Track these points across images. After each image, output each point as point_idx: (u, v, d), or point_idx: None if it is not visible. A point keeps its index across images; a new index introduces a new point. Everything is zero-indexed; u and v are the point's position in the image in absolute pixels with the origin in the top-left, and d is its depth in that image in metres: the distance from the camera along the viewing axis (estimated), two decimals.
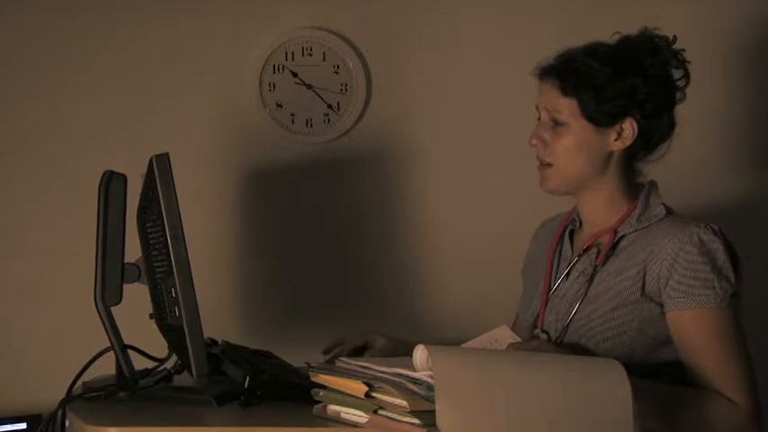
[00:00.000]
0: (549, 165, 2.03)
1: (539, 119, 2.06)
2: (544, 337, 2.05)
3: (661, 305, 1.95)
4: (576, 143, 2.01)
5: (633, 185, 2.06)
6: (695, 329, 1.92)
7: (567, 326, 2.01)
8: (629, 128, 2.00)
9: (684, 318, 1.93)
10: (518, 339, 2.03)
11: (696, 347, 1.92)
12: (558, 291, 2.07)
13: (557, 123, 2.01)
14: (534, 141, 2.04)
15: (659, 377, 1.94)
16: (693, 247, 1.93)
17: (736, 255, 1.97)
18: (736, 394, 1.90)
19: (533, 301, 2.14)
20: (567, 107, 2.00)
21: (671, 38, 2.03)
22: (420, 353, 1.71)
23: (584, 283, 2.02)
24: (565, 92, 2.00)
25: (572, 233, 2.14)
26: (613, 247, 2.02)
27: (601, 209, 2.06)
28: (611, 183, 2.04)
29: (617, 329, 1.96)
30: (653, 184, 2.07)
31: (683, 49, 2.04)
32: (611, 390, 1.71)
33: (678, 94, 2.05)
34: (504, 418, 1.66)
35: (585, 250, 2.06)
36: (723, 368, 1.91)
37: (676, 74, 2.04)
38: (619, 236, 2.02)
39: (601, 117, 1.99)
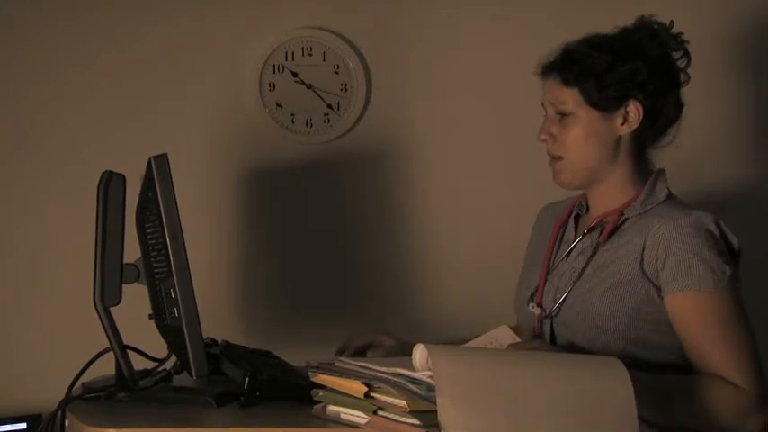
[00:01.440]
0: (560, 158, 2.05)
1: (545, 116, 2.07)
2: (538, 311, 2.06)
3: (659, 288, 1.95)
4: (585, 132, 2.02)
5: (643, 173, 2.07)
6: (694, 311, 1.91)
7: (563, 301, 2.02)
8: (634, 110, 2.02)
9: (682, 299, 1.92)
10: (518, 340, 2.03)
11: (696, 330, 1.91)
12: (558, 269, 2.08)
13: (563, 115, 2.03)
14: (543, 137, 2.05)
15: (661, 364, 1.94)
16: (690, 228, 1.93)
17: (733, 238, 1.98)
18: (741, 378, 1.88)
19: (531, 278, 2.15)
20: (570, 97, 2.02)
21: (668, 23, 2.06)
22: (420, 352, 1.71)
23: (584, 261, 2.03)
24: (567, 82, 2.02)
25: (577, 217, 2.15)
26: (616, 228, 2.03)
27: (608, 195, 2.07)
28: (622, 172, 2.05)
29: (613, 307, 1.96)
30: (661, 172, 2.08)
31: (682, 32, 2.06)
32: (612, 387, 1.71)
33: (682, 76, 2.07)
34: (504, 416, 1.66)
35: (588, 231, 2.07)
36: (726, 351, 1.89)
37: (676, 55, 2.05)
38: (623, 218, 2.03)
39: (605, 102, 2.01)
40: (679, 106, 2.07)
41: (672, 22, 2.06)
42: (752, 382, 1.89)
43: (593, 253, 2.03)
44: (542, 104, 2.08)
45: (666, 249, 1.93)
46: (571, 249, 2.08)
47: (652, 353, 1.95)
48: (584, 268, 2.02)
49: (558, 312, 2.03)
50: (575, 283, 2.02)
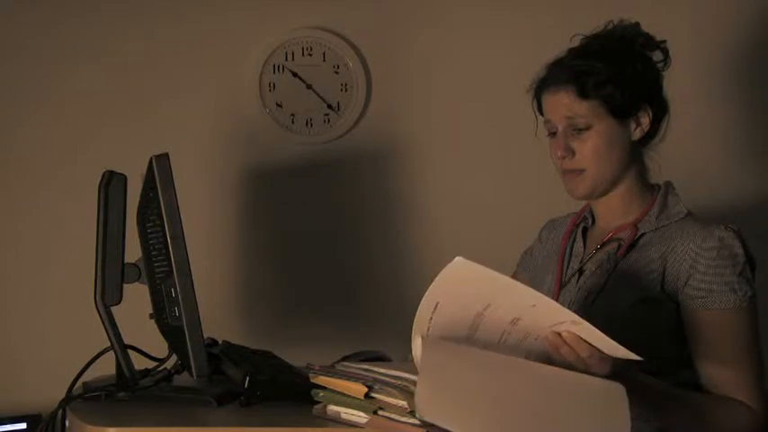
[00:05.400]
0: (581, 171, 2.01)
1: (551, 134, 2.04)
2: None
3: (677, 304, 1.94)
4: (605, 142, 2.00)
5: (648, 183, 2.07)
6: (714, 330, 1.91)
7: (583, 317, 2.00)
8: (646, 114, 2.01)
9: (703, 318, 1.92)
10: None
11: (712, 348, 1.91)
12: (570, 286, 2.06)
13: (580, 129, 2.00)
14: (561, 153, 2.01)
15: (676, 373, 1.93)
16: (714, 247, 1.92)
17: (752, 256, 1.97)
18: (751, 398, 1.89)
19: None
20: (588, 109, 1.99)
21: (635, 23, 2.05)
22: (418, 343, 1.69)
23: (603, 276, 2.01)
24: (584, 95, 1.98)
25: (585, 231, 2.13)
26: (634, 243, 2.02)
27: (618, 206, 2.05)
28: (631, 178, 2.04)
29: (635, 325, 1.94)
30: (670, 184, 2.08)
31: (650, 33, 2.06)
32: (606, 414, 1.67)
33: (662, 75, 2.07)
34: (481, 416, 1.62)
35: (603, 245, 2.05)
36: (738, 371, 1.90)
37: (656, 56, 2.05)
38: (640, 232, 2.02)
39: (623, 109, 1.99)
40: (666, 100, 2.07)
41: (638, 23, 2.05)
42: (761, 402, 1.90)
43: (612, 269, 2.00)
44: (545, 122, 2.05)
45: (690, 269, 1.93)
46: (583, 264, 2.07)
47: (669, 368, 1.94)
48: (603, 285, 2.00)
49: None
50: (594, 299, 2.00)
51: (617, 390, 1.68)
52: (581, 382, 1.71)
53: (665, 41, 2.05)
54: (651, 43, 2.04)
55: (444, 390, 1.61)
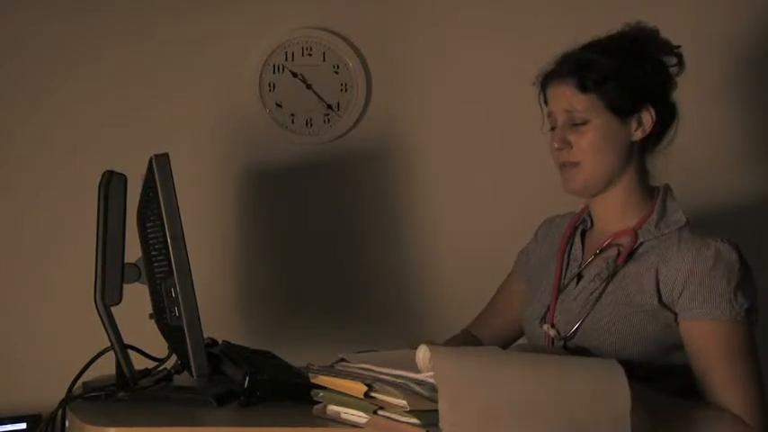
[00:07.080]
0: (576, 164, 2.02)
1: (552, 129, 2.05)
2: (553, 332, 2.04)
3: (675, 314, 1.94)
4: (602, 137, 2.00)
5: (648, 187, 2.07)
6: (709, 341, 1.91)
7: (579, 326, 2.00)
8: (648, 115, 2.01)
9: (698, 328, 1.91)
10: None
11: (708, 360, 1.90)
12: (569, 290, 2.06)
13: (578, 122, 2.01)
14: (558, 144, 2.02)
15: (669, 380, 1.93)
16: (711, 258, 1.92)
17: (750, 269, 1.97)
18: (745, 413, 1.88)
19: (537, 299, 2.12)
20: (587, 103, 2.00)
21: (654, 27, 2.05)
22: (423, 353, 1.70)
23: (601, 284, 2.01)
24: (584, 88, 1.99)
25: (583, 234, 2.13)
26: (632, 251, 2.01)
27: (616, 209, 2.05)
28: (630, 180, 2.04)
29: (631, 335, 1.94)
30: (668, 188, 2.07)
31: (668, 39, 2.06)
32: (609, 391, 1.70)
33: (673, 80, 2.07)
34: (504, 418, 1.65)
35: (602, 250, 2.05)
36: (733, 384, 1.88)
37: (669, 61, 2.05)
38: (640, 240, 2.01)
39: (623, 106, 2.00)
40: (675, 107, 2.07)
41: (656, 29, 2.05)
42: (756, 417, 1.88)
43: (611, 276, 2.00)
44: (548, 114, 2.06)
45: (686, 279, 1.92)
46: (582, 269, 2.07)
47: (665, 379, 1.94)
48: (601, 292, 2.00)
49: (573, 336, 2.01)
50: (592, 306, 2.00)
51: (614, 366, 1.73)
52: (582, 364, 1.78)
53: (679, 47, 2.05)
54: (665, 47, 2.04)
55: (464, 405, 1.64)
